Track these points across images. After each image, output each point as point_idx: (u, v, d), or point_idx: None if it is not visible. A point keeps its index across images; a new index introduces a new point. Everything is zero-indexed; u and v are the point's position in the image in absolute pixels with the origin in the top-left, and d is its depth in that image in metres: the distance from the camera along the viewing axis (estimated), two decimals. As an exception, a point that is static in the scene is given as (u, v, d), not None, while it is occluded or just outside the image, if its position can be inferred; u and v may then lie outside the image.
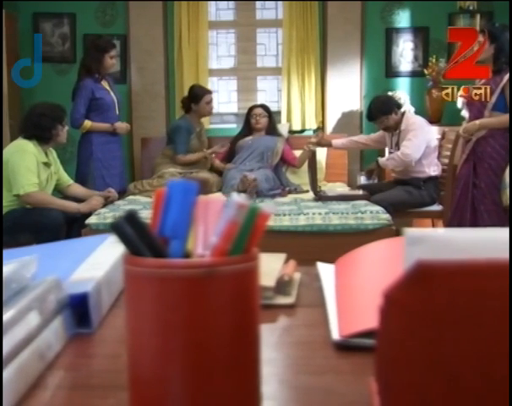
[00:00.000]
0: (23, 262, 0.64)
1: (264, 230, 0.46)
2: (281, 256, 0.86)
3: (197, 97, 4.51)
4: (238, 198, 0.44)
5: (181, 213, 0.46)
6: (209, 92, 4.61)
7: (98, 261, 0.79)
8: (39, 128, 3.45)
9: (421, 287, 0.38)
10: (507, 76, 3.47)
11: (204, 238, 0.46)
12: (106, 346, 0.63)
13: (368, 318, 0.55)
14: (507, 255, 0.37)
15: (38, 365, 0.55)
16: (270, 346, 0.63)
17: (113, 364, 0.57)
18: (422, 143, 4.00)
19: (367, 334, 0.58)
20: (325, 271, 0.85)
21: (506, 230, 0.42)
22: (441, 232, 0.42)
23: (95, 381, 0.54)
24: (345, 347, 0.60)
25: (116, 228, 0.45)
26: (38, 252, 0.81)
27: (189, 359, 0.44)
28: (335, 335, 0.62)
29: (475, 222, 3.65)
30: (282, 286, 0.78)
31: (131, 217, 0.45)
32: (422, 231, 0.41)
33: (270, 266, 0.80)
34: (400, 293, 0.39)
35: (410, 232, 0.41)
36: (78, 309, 0.66)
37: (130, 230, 0.45)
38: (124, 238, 0.45)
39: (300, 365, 0.59)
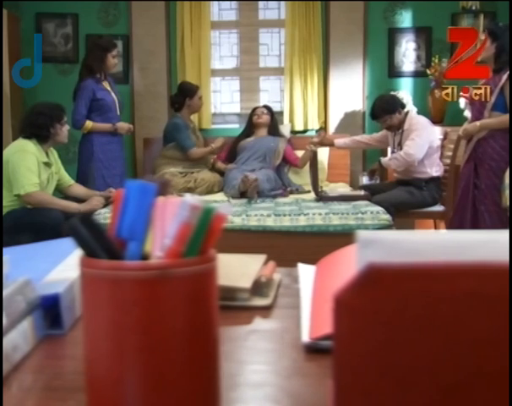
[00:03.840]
0: (-6, 263, 0.64)
1: (220, 231, 0.45)
2: (261, 257, 0.85)
3: (191, 92, 4.53)
4: (192, 199, 0.43)
5: (138, 214, 0.45)
6: (199, 88, 4.65)
7: (75, 263, 0.78)
8: (36, 126, 3.45)
9: (371, 289, 0.37)
10: (505, 76, 3.44)
11: (162, 240, 0.46)
12: (75, 347, 0.63)
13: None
14: (458, 258, 0.37)
15: (3, 366, 0.55)
16: (240, 348, 0.62)
17: (80, 365, 0.57)
18: (425, 143, 3.98)
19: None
20: (306, 272, 0.85)
21: (462, 232, 0.41)
22: (393, 234, 0.41)
23: (58, 383, 0.54)
24: (315, 349, 0.59)
25: (71, 230, 0.45)
26: (17, 253, 0.81)
27: (144, 361, 0.43)
28: (305, 337, 0.61)
29: (476, 223, 3.63)
30: (259, 287, 0.77)
31: (86, 219, 0.45)
32: (375, 233, 0.41)
33: (248, 268, 0.79)
34: (350, 296, 0.38)
35: (362, 234, 0.41)
36: (50, 310, 0.66)
37: (85, 232, 0.45)
38: (80, 240, 0.45)
39: (267, 368, 0.59)
